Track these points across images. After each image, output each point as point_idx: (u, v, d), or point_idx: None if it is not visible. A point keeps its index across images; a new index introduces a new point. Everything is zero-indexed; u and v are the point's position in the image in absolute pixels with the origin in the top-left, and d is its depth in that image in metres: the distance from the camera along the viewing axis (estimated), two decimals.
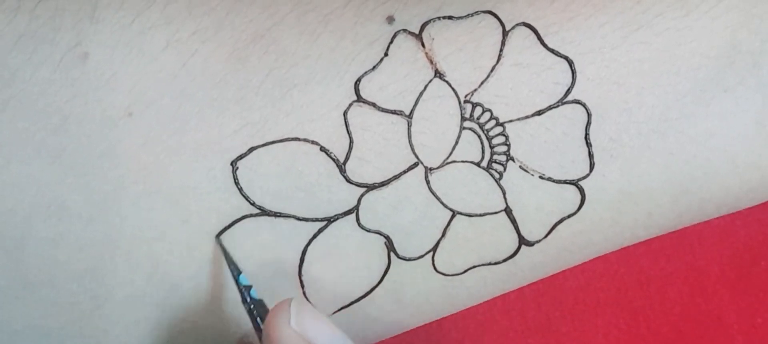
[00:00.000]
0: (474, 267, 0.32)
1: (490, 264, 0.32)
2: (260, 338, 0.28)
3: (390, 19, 0.30)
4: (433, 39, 0.30)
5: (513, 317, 0.41)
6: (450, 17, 0.30)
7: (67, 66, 0.29)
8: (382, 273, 0.31)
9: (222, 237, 0.30)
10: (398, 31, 0.30)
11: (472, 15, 0.30)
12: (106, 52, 0.29)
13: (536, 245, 0.32)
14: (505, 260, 0.32)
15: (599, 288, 0.42)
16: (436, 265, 0.32)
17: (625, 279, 0.43)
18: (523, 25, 0.30)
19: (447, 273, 0.32)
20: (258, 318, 0.29)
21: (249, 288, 0.29)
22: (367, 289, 0.31)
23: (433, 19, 0.30)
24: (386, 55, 0.30)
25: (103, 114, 0.29)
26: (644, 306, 0.43)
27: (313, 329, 0.28)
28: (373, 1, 0.30)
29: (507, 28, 0.30)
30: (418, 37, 0.30)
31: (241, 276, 0.29)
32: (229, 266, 0.30)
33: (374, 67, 0.30)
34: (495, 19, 0.30)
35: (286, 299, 0.28)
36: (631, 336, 0.42)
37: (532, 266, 0.33)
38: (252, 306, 0.29)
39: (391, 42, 0.30)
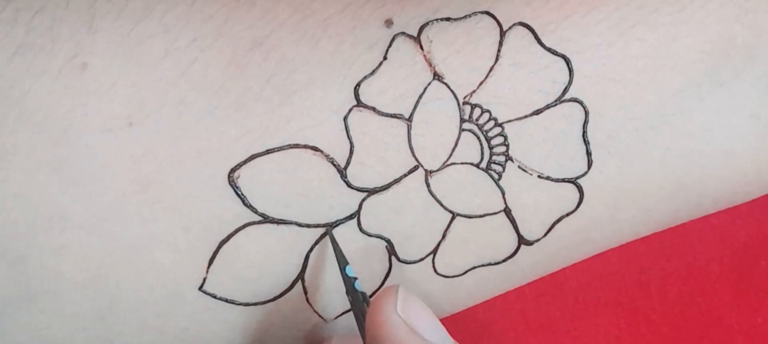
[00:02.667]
0: (474, 267, 0.32)
1: (490, 264, 0.32)
2: (363, 329, 0.29)
3: (388, 23, 0.30)
4: (431, 41, 0.30)
5: (513, 317, 0.41)
6: (448, 19, 0.30)
7: (66, 77, 0.29)
8: (384, 276, 0.31)
9: (332, 231, 0.30)
10: (396, 35, 0.30)
11: (469, 16, 0.30)
12: (104, 62, 0.29)
13: (536, 244, 0.32)
14: (504, 260, 0.32)
15: (599, 287, 0.42)
16: (437, 267, 0.32)
17: (625, 278, 0.43)
18: (520, 24, 0.30)
19: (447, 274, 0.32)
20: (365, 305, 0.29)
21: (353, 279, 0.30)
22: (370, 293, 0.32)
23: (431, 21, 0.30)
24: (385, 58, 0.30)
25: (103, 124, 0.29)
26: (644, 306, 0.43)
27: (417, 318, 0.28)
28: (371, 4, 0.31)
29: (504, 28, 0.30)
30: (417, 39, 0.30)
31: (347, 267, 0.30)
32: (337, 257, 0.30)
33: (373, 72, 0.30)
34: (492, 20, 0.30)
35: (393, 285, 0.28)
36: (631, 336, 0.42)
37: (532, 265, 0.33)
38: (359, 297, 0.29)
39: (390, 45, 0.30)
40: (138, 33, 0.29)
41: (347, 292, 0.30)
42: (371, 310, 0.28)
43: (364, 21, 0.30)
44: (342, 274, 0.30)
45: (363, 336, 0.29)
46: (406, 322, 0.27)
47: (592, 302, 0.42)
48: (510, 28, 0.30)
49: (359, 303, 0.29)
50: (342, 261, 0.30)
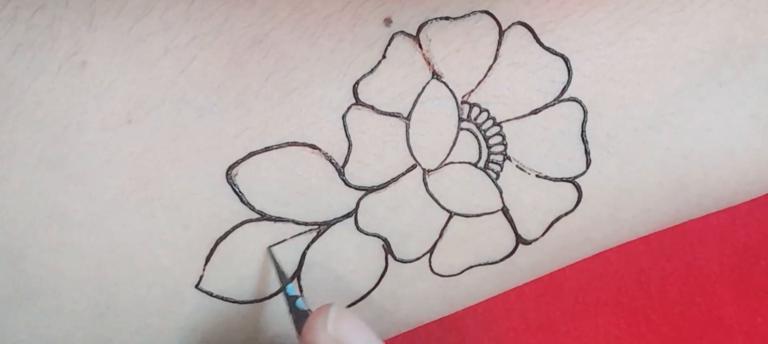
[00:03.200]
0: (471, 267, 0.32)
1: (487, 263, 0.32)
2: None
3: (387, 21, 0.30)
4: (430, 40, 0.30)
5: (513, 317, 0.41)
6: (447, 18, 0.30)
7: (65, 74, 0.29)
8: (380, 275, 0.31)
9: (272, 248, 0.30)
10: (396, 33, 0.30)
11: (468, 15, 0.30)
12: (104, 60, 0.29)
13: (534, 243, 0.32)
14: (502, 259, 0.32)
15: (599, 287, 0.42)
16: (433, 267, 0.32)
17: (625, 278, 0.43)
18: (519, 23, 0.30)
19: (444, 274, 0.32)
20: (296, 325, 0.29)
21: (295, 298, 0.30)
22: (365, 291, 0.32)
23: (430, 20, 0.30)
24: (384, 57, 0.30)
25: (102, 122, 0.29)
26: (644, 306, 0.43)
27: (349, 335, 0.28)
28: (371, 3, 0.31)
29: (503, 28, 0.30)
30: (416, 38, 0.30)
31: (288, 286, 0.30)
32: (279, 275, 0.30)
33: (372, 70, 0.30)
34: (491, 19, 0.30)
35: (325, 304, 0.28)
36: (631, 336, 0.42)
37: (530, 264, 0.33)
38: (295, 317, 0.29)
39: (389, 44, 0.30)
40: (138, 31, 0.29)
41: (290, 311, 0.30)
42: (304, 330, 0.28)
43: (364, 19, 0.30)
44: (284, 294, 0.30)
45: None
46: (336, 340, 0.27)
47: (592, 302, 0.42)
48: (509, 27, 0.30)
49: (301, 322, 0.29)
50: (284, 279, 0.30)
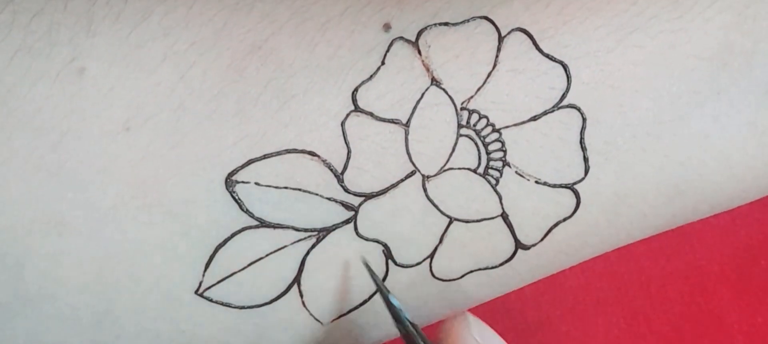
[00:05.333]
0: (471, 271, 0.32)
1: (487, 268, 0.32)
2: None
3: (386, 27, 0.30)
4: (429, 46, 0.30)
5: (513, 317, 0.41)
6: (446, 24, 0.30)
7: (64, 81, 0.29)
8: (381, 280, 0.31)
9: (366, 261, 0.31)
10: (395, 39, 0.30)
11: (467, 21, 0.30)
12: (103, 67, 0.29)
13: (532, 248, 0.32)
14: (501, 264, 0.32)
15: (599, 288, 0.42)
16: (434, 271, 0.32)
17: (625, 278, 0.43)
18: (519, 30, 0.30)
19: (444, 278, 0.32)
20: (420, 339, 0.29)
21: (400, 309, 0.30)
22: (366, 296, 0.32)
23: (430, 26, 0.30)
24: (383, 63, 0.30)
25: (101, 129, 0.29)
26: (644, 306, 0.43)
27: (492, 340, 0.30)
28: (370, 8, 0.31)
29: (502, 34, 0.30)
30: (415, 44, 0.30)
31: (390, 296, 0.30)
32: (380, 288, 0.30)
33: (371, 77, 0.30)
34: (491, 25, 0.30)
35: (459, 311, 0.30)
36: (631, 336, 0.42)
37: (529, 268, 0.33)
38: (409, 326, 0.29)
39: (388, 50, 0.30)
40: (137, 36, 0.29)
41: (396, 321, 0.30)
42: (442, 336, 0.28)
43: (363, 25, 0.30)
44: (387, 303, 0.30)
45: None
46: None
47: (592, 302, 0.42)
48: (508, 33, 0.30)
49: (411, 332, 0.29)
50: (385, 291, 0.30)
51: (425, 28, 0.30)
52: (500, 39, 0.30)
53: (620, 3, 0.31)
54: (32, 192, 0.29)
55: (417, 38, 0.30)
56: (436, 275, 0.32)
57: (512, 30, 0.30)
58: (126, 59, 0.29)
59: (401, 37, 0.30)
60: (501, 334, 0.37)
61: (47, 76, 0.29)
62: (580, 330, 0.42)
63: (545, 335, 0.42)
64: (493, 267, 0.32)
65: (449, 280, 0.32)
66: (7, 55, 0.29)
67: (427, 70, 0.30)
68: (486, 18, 0.31)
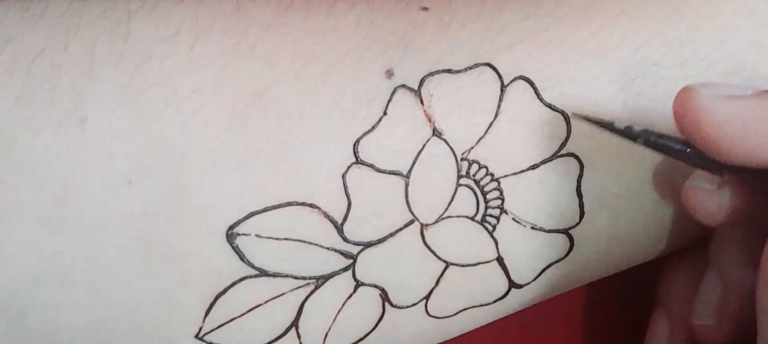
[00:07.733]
0: (465, 309, 0.33)
1: (481, 305, 0.33)
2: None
3: (389, 73, 0.30)
4: (431, 95, 0.30)
5: (513, 317, 0.41)
6: (449, 70, 0.30)
7: (66, 132, 0.28)
8: (377, 320, 0.32)
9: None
10: (397, 88, 0.30)
11: (470, 68, 0.30)
12: (104, 116, 0.28)
13: (525, 287, 0.33)
14: (495, 301, 0.33)
15: (599, 287, 0.43)
16: (429, 310, 0.32)
17: (624, 278, 0.43)
18: (522, 78, 0.30)
19: (439, 316, 0.33)
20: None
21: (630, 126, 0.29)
22: (362, 335, 0.32)
23: (432, 73, 0.30)
24: (385, 113, 0.30)
25: (103, 181, 0.28)
26: (644, 306, 0.44)
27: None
28: (372, 51, 0.30)
29: (505, 82, 0.30)
30: (417, 93, 0.30)
31: (616, 123, 0.29)
32: (601, 124, 0.29)
33: (373, 128, 0.30)
34: (493, 72, 0.30)
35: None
36: (631, 336, 0.43)
37: (521, 303, 0.34)
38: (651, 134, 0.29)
39: (390, 99, 0.30)
40: (138, 82, 0.29)
41: (643, 140, 0.29)
42: (680, 105, 0.27)
43: (365, 71, 0.30)
44: (617, 131, 0.29)
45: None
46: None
47: (591, 302, 0.43)
48: (511, 82, 0.30)
49: (653, 140, 0.28)
50: (607, 124, 0.29)
51: (428, 75, 0.30)
52: (502, 88, 0.30)
53: (624, 50, 0.31)
54: (36, 245, 0.28)
55: (419, 86, 0.30)
56: (431, 314, 0.32)
57: (515, 78, 0.30)
58: (128, 107, 0.29)
59: (404, 86, 0.30)
60: (501, 334, 0.38)
61: (49, 126, 0.28)
62: (580, 330, 0.43)
63: (545, 335, 0.43)
64: (486, 304, 0.33)
65: (444, 317, 0.33)
66: (9, 101, 0.28)
67: (429, 120, 0.30)
68: (489, 65, 0.30)
